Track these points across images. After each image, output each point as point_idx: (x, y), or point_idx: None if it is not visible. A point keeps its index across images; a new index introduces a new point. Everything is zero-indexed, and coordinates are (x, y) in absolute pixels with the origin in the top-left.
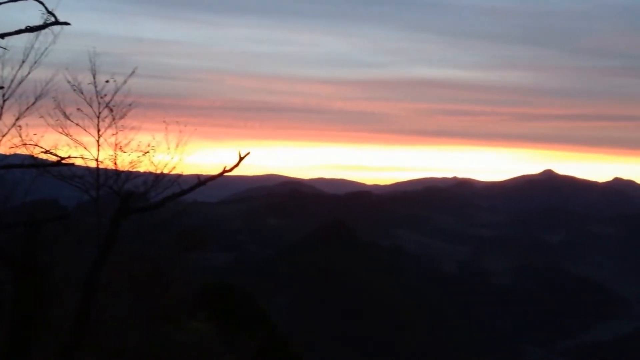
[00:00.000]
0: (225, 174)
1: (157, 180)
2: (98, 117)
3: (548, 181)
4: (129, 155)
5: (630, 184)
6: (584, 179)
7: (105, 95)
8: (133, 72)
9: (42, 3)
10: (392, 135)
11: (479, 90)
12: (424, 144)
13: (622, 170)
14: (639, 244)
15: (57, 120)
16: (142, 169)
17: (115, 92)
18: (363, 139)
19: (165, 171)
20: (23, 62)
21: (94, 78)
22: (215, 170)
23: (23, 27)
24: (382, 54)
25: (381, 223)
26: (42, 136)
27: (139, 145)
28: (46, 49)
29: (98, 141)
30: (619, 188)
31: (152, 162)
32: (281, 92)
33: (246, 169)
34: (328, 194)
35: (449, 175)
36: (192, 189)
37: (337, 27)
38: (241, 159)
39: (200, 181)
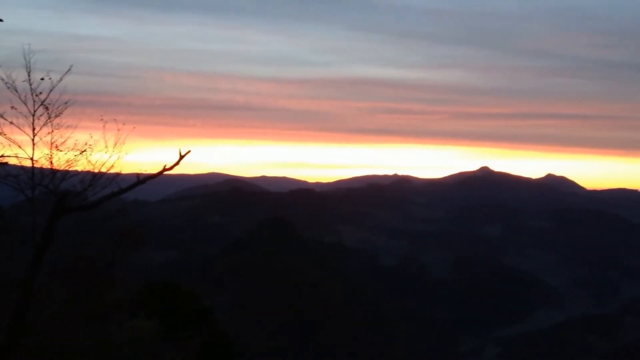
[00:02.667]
0: (166, 172)
1: (95, 179)
2: (33, 116)
3: (484, 178)
4: (65, 154)
5: (562, 179)
6: (518, 176)
7: (41, 93)
8: (69, 70)
9: None
10: (334, 134)
11: (418, 90)
12: (366, 142)
13: (555, 166)
14: (570, 236)
15: None
16: (79, 168)
17: (51, 90)
18: (305, 137)
19: (103, 170)
20: None
21: (29, 75)
22: (155, 169)
23: None
24: (323, 53)
25: (323, 219)
26: None
27: (75, 144)
28: None
29: (33, 140)
30: (551, 184)
31: (89, 161)
32: (223, 90)
33: (187, 168)
34: (271, 192)
35: (390, 172)
36: (130, 187)
37: (277, 26)
38: (182, 157)
39: (139, 180)
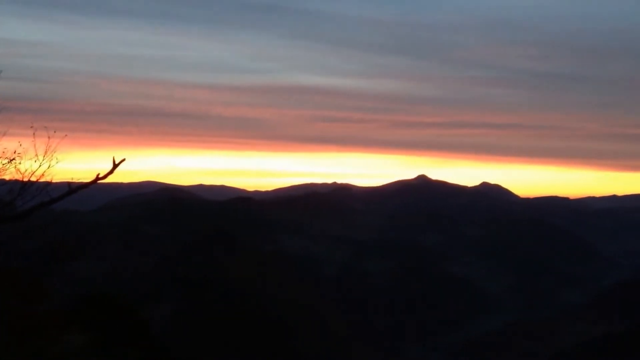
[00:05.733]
0: (99, 181)
1: (24, 188)
2: None
3: (422, 185)
4: None
5: (496, 188)
6: (454, 184)
7: None
8: None
9: None
10: (272, 142)
11: (356, 98)
12: (304, 150)
13: (489, 175)
14: (505, 243)
15: None
16: (7, 177)
17: None
18: (243, 145)
19: (33, 179)
20: None
21: None
22: (88, 178)
23: None
24: (261, 60)
25: (263, 228)
26: None
27: (4, 151)
28: None
29: None
30: (486, 192)
31: (18, 170)
32: (158, 97)
33: (122, 176)
34: (208, 200)
35: (329, 180)
36: (62, 197)
37: (215, 33)
38: (116, 165)
39: (71, 189)
